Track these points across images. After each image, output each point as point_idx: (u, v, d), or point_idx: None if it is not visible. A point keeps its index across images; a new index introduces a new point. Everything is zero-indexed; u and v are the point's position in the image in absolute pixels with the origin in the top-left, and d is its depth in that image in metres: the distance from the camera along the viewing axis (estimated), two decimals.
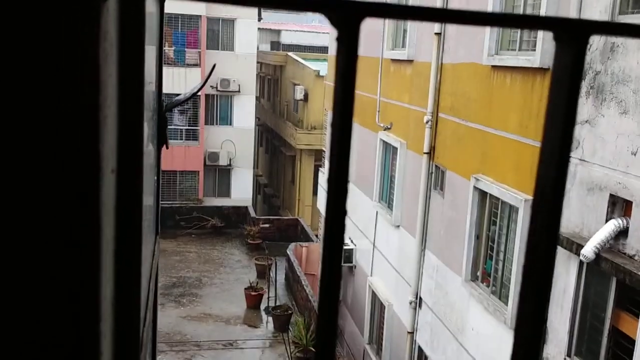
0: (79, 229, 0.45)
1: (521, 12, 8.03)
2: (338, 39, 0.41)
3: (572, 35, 0.43)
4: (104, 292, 0.50)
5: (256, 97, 29.03)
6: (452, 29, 9.86)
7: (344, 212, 0.43)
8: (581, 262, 6.45)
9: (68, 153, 0.44)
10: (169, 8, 25.57)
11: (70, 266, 0.45)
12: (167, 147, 1.77)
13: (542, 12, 7.28)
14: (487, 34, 8.51)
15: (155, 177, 1.68)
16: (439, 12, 0.41)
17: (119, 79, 0.58)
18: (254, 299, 17.68)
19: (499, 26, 0.43)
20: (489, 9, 8.48)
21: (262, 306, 17.73)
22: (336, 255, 0.43)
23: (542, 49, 7.25)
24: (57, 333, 0.45)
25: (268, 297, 17.63)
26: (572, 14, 6.75)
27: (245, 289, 17.89)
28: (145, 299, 1.23)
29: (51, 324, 0.45)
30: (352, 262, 14.54)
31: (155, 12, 1.46)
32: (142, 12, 0.70)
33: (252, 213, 25.05)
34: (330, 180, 0.40)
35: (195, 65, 25.35)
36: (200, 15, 25.23)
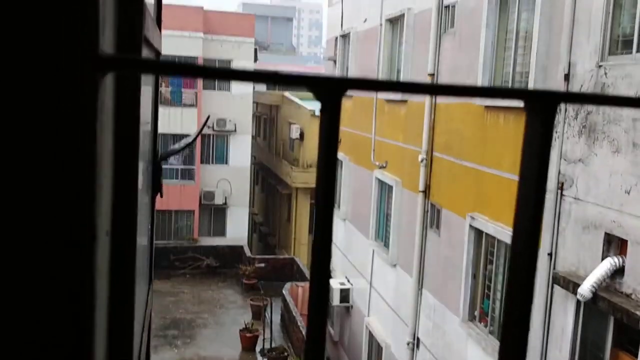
0: (72, 293, 0.46)
1: (512, 55, 8.19)
2: (321, 110, 0.43)
3: (542, 105, 0.46)
4: (97, 350, 0.50)
5: (252, 136, 29.22)
6: (445, 70, 10.03)
7: (327, 277, 0.44)
8: (578, 301, 6.42)
9: (64, 219, 0.45)
10: (165, 49, 25.95)
11: (63, 327, 0.46)
12: (161, 196, 1.79)
13: (533, 54, 7.43)
14: (480, 74, 8.65)
15: (149, 226, 1.69)
16: (415, 86, 0.43)
17: (114, 147, 0.60)
18: (249, 341, 17.41)
19: (476, 96, 0.46)
20: (480, 58, 8.65)
21: (258, 348, 17.45)
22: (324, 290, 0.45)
23: (534, 89, 7.37)
24: None
25: (264, 339, 17.37)
26: (563, 55, 6.88)
27: (240, 330, 17.64)
28: (138, 352, 1.22)
29: None
30: (349, 302, 14.40)
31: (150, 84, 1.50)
32: (137, 87, 0.72)
33: (248, 252, 24.90)
34: (314, 249, 0.42)
35: (192, 105, 25.58)
36: (197, 57, 25.58)
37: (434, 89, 0.44)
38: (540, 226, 0.49)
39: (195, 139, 3.15)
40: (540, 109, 0.46)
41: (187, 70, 0.40)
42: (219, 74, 0.41)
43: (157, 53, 1.59)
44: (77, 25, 0.45)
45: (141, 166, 1.29)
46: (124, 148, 0.64)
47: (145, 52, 1.08)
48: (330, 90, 0.42)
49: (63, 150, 0.45)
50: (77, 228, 0.46)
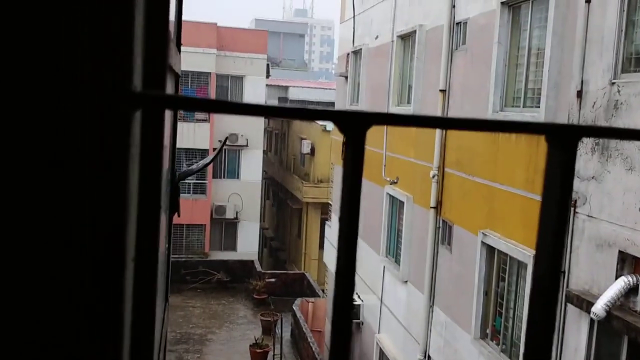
0: (104, 321, 0.47)
1: (524, 72, 8.19)
2: (345, 144, 0.45)
3: (563, 139, 0.47)
4: None
5: (264, 151, 29.33)
6: (457, 86, 10.04)
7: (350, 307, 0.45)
8: (592, 320, 6.34)
9: (98, 250, 0.47)
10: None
11: (93, 347, 0.47)
12: (179, 215, 1.81)
13: (545, 71, 7.43)
14: (492, 90, 8.66)
15: (167, 245, 1.71)
16: (437, 120, 0.45)
17: (140, 176, 0.62)
18: (259, 356, 17.33)
19: (495, 131, 0.47)
20: (492, 74, 8.65)
21: None
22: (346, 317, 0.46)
23: (546, 106, 7.36)
24: None
25: (274, 355, 17.28)
26: (576, 73, 6.87)
27: (250, 345, 17.57)
28: None
29: None
30: (359, 319, 14.31)
31: (171, 87, 1.52)
32: (162, 117, 0.74)
33: (258, 267, 24.87)
34: (337, 284, 0.43)
35: (205, 120, 25.76)
36: (210, 73, 25.81)
37: (455, 123, 0.46)
38: (561, 259, 0.50)
39: (213, 160, 3.19)
40: (561, 144, 0.47)
41: (213, 106, 0.42)
42: (244, 109, 0.42)
43: (177, 76, 1.61)
44: (112, 63, 0.46)
45: (162, 188, 1.32)
46: (149, 176, 0.66)
47: (169, 80, 1.11)
48: (355, 125, 0.43)
49: (99, 185, 0.46)
50: (110, 258, 0.48)
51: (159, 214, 0.76)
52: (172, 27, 1.65)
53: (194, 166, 3.22)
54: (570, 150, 0.46)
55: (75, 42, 0.45)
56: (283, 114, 0.44)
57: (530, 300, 0.49)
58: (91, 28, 0.45)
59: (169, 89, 1.24)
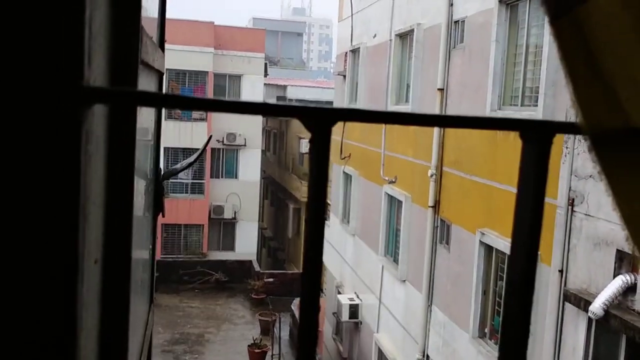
0: (55, 326, 0.46)
1: (522, 70, 8.18)
2: (310, 141, 0.43)
3: (537, 135, 0.45)
4: None
5: (262, 150, 29.31)
6: (454, 84, 10.03)
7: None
8: (590, 319, 6.33)
9: (47, 249, 0.45)
10: (176, 64, 25.99)
11: (45, 352, 0.46)
12: (163, 216, 1.79)
13: (543, 69, 7.41)
14: (490, 88, 8.65)
15: (151, 246, 1.69)
16: (407, 116, 0.43)
17: (107, 174, 0.60)
18: (257, 357, 17.33)
19: (470, 127, 0.45)
20: (490, 73, 8.64)
21: None
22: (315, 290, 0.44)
23: (544, 104, 7.35)
24: None
25: (272, 355, 17.28)
26: None
27: (248, 346, 17.56)
28: None
29: None
30: (357, 318, 14.30)
31: (153, 86, 1.50)
32: (134, 115, 0.72)
33: (257, 267, 24.86)
34: (303, 283, 0.41)
35: (202, 119, 25.73)
36: (208, 72, 25.78)
37: (428, 120, 0.44)
38: (537, 252, 0.48)
39: (197, 159, 3.16)
40: (536, 140, 0.45)
41: (172, 101, 0.40)
42: (206, 104, 0.40)
43: (160, 74, 1.59)
44: (60, 58, 0.45)
45: (142, 186, 1.29)
46: (119, 177, 0.64)
47: (145, 76, 1.09)
48: (320, 122, 0.42)
49: (46, 180, 0.44)
50: (59, 258, 0.46)
51: (131, 214, 0.74)
52: (153, 25, 1.63)
53: (178, 165, 3.20)
54: (545, 146, 0.45)
55: (20, 37, 0.44)
56: (245, 110, 0.42)
57: (506, 292, 0.48)
58: (37, 23, 0.44)
59: (147, 86, 1.22)
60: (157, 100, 0.41)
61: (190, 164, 3.19)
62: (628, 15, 0.40)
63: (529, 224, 0.45)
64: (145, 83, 1.18)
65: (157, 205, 1.65)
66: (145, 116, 1.16)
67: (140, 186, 1.16)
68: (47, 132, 0.44)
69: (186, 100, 0.42)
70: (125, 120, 0.68)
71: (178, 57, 24.07)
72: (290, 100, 39.42)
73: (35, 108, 0.44)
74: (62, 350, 0.47)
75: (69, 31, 0.45)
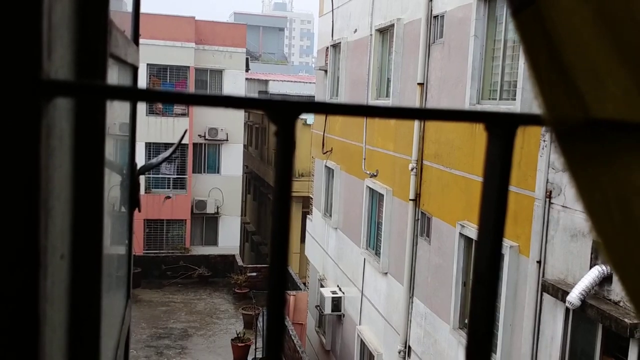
0: (17, 321, 0.46)
1: (500, 65, 8.26)
2: (275, 134, 0.44)
3: (502, 127, 0.47)
4: None
5: (244, 145, 29.20)
6: (434, 79, 10.09)
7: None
8: (567, 309, 6.44)
9: (6, 240, 0.45)
10: (157, 59, 25.72)
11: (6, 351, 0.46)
12: (139, 211, 1.79)
13: (521, 64, 7.49)
14: (469, 82, 8.71)
15: (127, 241, 1.69)
16: (370, 109, 0.44)
17: (75, 169, 0.60)
18: (241, 351, 17.33)
19: (434, 119, 0.47)
20: (469, 67, 8.71)
21: (250, 357, 17.36)
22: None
23: (522, 98, 7.43)
24: None
25: (255, 348, 17.29)
26: None
27: (232, 340, 17.55)
28: None
29: None
30: (340, 311, 14.37)
31: (128, 80, 1.49)
32: (102, 109, 0.72)
33: (240, 261, 24.81)
34: (270, 274, 0.43)
35: (183, 115, 25.56)
36: (189, 66, 25.60)
37: (393, 112, 0.46)
38: (501, 243, 0.50)
39: (172, 153, 3.16)
40: (501, 132, 0.47)
41: (135, 94, 0.41)
42: (169, 97, 0.42)
43: (134, 68, 1.59)
44: (16, 49, 0.45)
45: (117, 180, 1.29)
46: (86, 172, 0.64)
47: (116, 70, 1.09)
48: (284, 114, 0.43)
49: (3, 175, 0.45)
50: (19, 252, 0.46)
51: (101, 208, 0.74)
52: (126, 19, 1.62)
53: (154, 160, 3.19)
54: (509, 138, 0.47)
55: None
56: (209, 103, 0.44)
57: (473, 282, 0.50)
58: None
59: (120, 80, 1.22)
60: (121, 93, 0.43)
61: (165, 159, 3.18)
62: (587, 8, 0.41)
63: (494, 215, 0.47)
64: (118, 77, 1.18)
65: (133, 200, 1.65)
66: (119, 110, 1.16)
67: (113, 181, 1.16)
68: (3, 125, 0.44)
69: (150, 93, 0.43)
70: (92, 114, 0.68)
71: (159, 52, 23.86)
72: (272, 95, 39.26)
73: None
74: (23, 344, 0.47)
75: (24, 22, 0.44)
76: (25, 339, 0.47)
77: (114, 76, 1.06)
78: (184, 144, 25.34)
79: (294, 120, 0.42)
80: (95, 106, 0.69)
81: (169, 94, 0.40)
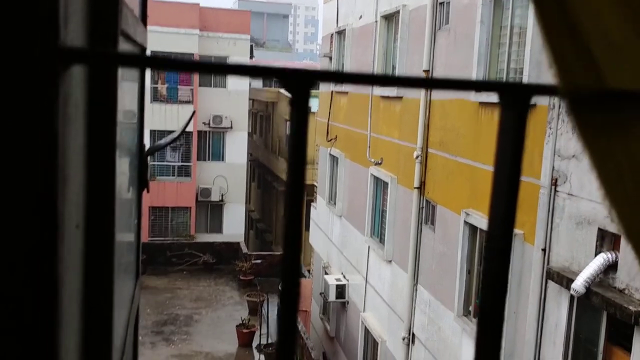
0: (35, 285, 0.47)
1: (506, 51, 8.20)
2: (290, 103, 0.44)
3: (515, 98, 0.47)
4: (66, 345, 0.51)
5: (248, 133, 29.18)
6: (440, 66, 10.04)
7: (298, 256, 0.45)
8: (572, 297, 6.45)
9: (24, 218, 0.46)
10: (161, 46, 25.74)
11: (25, 323, 0.47)
12: (147, 191, 1.79)
13: (527, 50, 7.44)
14: (475, 69, 8.67)
15: (136, 221, 1.70)
16: (384, 78, 0.44)
17: (88, 136, 0.60)
18: (246, 337, 17.44)
19: (447, 89, 0.47)
20: (475, 54, 8.66)
21: (255, 344, 17.48)
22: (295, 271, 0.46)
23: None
24: None
25: (260, 335, 17.40)
26: None
27: (237, 326, 17.66)
28: (122, 346, 1.23)
29: None
30: (344, 298, 14.42)
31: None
32: (114, 80, 0.73)
33: (244, 249, 24.90)
34: (285, 240, 0.43)
35: (188, 102, 25.54)
36: (193, 54, 25.53)
37: (405, 82, 0.46)
38: (513, 220, 0.50)
39: (181, 134, 3.16)
40: (514, 102, 0.47)
41: (150, 62, 0.41)
42: (186, 66, 0.42)
43: (142, 49, 1.59)
44: (35, 16, 0.45)
45: (125, 160, 1.30)
46: (99, 141, 0.64)
47: (126, 47, 1.09)
48: (299, 83, 0.43)
49: (21, 141, 0.45)
50: (38, 219, 0.47)
51: (113, 179, 0.75)
52: (135, 0, 1.61)
53: (162, 141, 3.19)
54: (523, 109, 0.47)
55: None
56: (223, 71, 0.43)
57: (485, 260, 0.50)
58: None
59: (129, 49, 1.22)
60: (135, 61, 0.43)
61: (174, 139, 3.18)
62: None
63: (507, 190, 0.47)
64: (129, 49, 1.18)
65: (141, 180, 1.66)
66: (127, 90, 1.16)
67: (123, 160, 1.17)
68: (23, 92, 0.44)
69: (165, 61, 0.43)
70: (105, 84, 0.68)
71: (163, 39, 23.80)
72: (277, 82, 39.13)
73: (10, 68, 0.44)
74: (43, 307, 0.47)
75: None
76: (43, 299, 0.48)
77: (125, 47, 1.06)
78: (189, 132, 25.35)
79: (308, 89, 0.42)
80: (107, 75, 0.70)
81: (179, 61, 0.40)
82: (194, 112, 4.27)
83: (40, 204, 0.46)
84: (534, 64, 7.33)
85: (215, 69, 0.42)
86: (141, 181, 1.65)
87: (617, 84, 0.43)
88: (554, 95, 0.50)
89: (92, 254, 0.65)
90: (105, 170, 0.70)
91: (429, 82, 0.45)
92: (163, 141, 3.13)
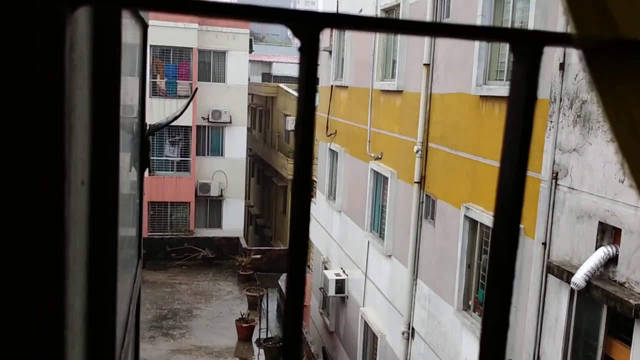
0: (43, 238, 0.46)
1: (507, 51, 8.17)
2: (300, 49, 0.43)
3: (528, 46, 0.45)
4: (72, 301, 0.49)
5: (247, 128, 29.15)
6: (440, 60, 10.01)
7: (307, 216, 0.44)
8: (572, 290, 6.44)
9: (31, 162, 0.45)
10: (160, 40, 25.66)
11: (33, 273, 0.45)
12: (149, 172, 1.78)
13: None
14: (475, 64, 8.64)
15: (138, 200, 1.69)
16: (394, 23, 0.43)
17: (92, 91, 0.59)
18: (245, 331, 17.46)
19: (454, 37, 0.45)
20: (475, 48, 8.63)
21: (254, 338, 17.50)
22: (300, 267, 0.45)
23: None
24: (17, 342, 0.45)
25: (260, 329, 17.42)
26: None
27: (236, 320, 17.68)
28: (124, 320, 1.21)
29: (12, 335, 0.45)
30: (344, 293, 14.43)
31: (138, 37, 1.48)
32: (118, 26, 0.71)
33: (244, 244, 24.91)
34: (294, 186, 0.41)
35: (187, 96, 25.48)
36: (192, 48, 25.47)
37: (417, 27, 0.44)
38: (524, 178, 0.48)
39: (182, 112, 3.15)
40: (526, 50, 0.45)
41: (151, 3, 0.39)
42: (189, 6, 0.40)
43: (145, 26, 1.57)
44: None
45: (128, 139, 1.28)
46: (104, 93, 0.63)
47: (132, 22, 1.07)
48: (309, 26, 0.41)
49: (28, 84, 0.44)
50: (44, 166, 0.46)
51: (117, 134, 0.74)
52: None
53: (163, 120, 3.19)
54: (535, 58, 0.45)
55: None
56: (227, 14, 0.42)
57: (493, 229, 0.48)
58: None
59: (134, 36, 1.21)
60: (138, 2, 0.41)
61: (175, 117, 3.18)
62: None
63: (519, 141, 0.45)
64: (134, 33, 1.16)
65: (143, 160, 1.65)
66: (129, 83, 1.15)
67: (128, 138, 1.16)
68: (30, 32, 0.43)
69: (168, 1, 0.42)
70: (109, 29, 0.67)
71: (162, 33, 23.74)
72: (276, 77, 39.11)
73: (16, 8, 0.43)
74: (49, 258, 0.46)
75: None
76: (51, 252, 0.47)
77: (127, 33, 1.04)
78: (188, 126, 25.32)
79: (318, 33, 0.40)
80: (112, 20, 0.68)
81: (193, 3, 0.39)
82: (196, 89, 4.26)
83: (48, 150, 0.45)
84: None
85: (221, 11, 0.40)
86: (143, 160, 1.64)
87: (632, 34, 0.42)
88: (567, 44, 0.49)
89: (96, 210, 0.64)
90: (110, 126, 0.68)
91: (442, 28, 0.43)
92: (164, 120, 3.12)
